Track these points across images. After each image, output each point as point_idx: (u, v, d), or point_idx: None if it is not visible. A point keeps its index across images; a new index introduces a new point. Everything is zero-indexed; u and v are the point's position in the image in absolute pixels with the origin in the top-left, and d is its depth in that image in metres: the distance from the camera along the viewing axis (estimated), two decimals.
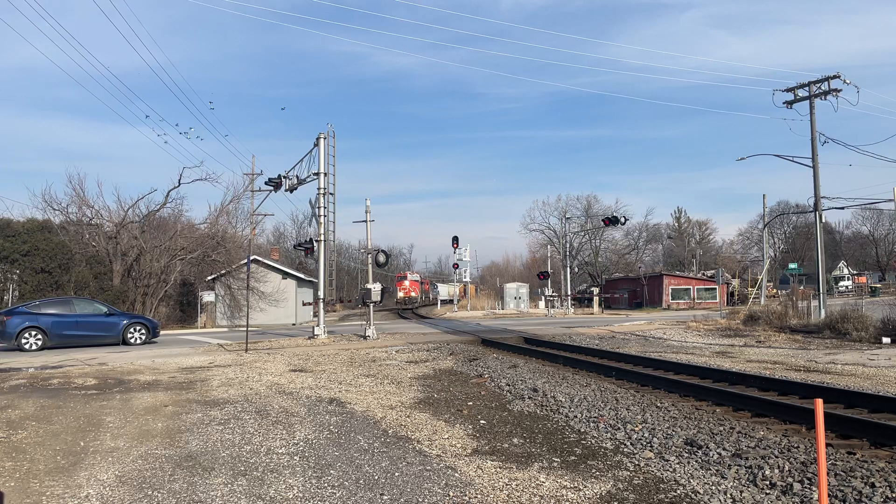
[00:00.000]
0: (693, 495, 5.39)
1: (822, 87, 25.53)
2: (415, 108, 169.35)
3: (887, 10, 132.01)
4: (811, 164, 25.72)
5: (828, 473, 5.60)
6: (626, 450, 6.99)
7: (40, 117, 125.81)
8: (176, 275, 35.08)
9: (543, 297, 53.41)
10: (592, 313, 47.04)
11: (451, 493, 5.56)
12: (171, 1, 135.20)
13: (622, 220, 41.82)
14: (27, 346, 20.28)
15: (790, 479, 5.63)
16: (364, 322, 25.31)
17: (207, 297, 35.85)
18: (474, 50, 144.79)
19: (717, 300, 45.86)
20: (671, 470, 6.14)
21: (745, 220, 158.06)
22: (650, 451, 6.89)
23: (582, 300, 57.68)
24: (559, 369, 14.05)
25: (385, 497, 5.51)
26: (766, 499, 5.27)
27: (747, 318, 26.23)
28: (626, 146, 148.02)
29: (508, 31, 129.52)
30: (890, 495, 5.20)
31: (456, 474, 6.14)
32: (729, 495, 5.35)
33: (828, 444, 6.79)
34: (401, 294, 73.60)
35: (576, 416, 8.75)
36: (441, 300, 72.17)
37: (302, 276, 40.85)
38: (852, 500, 5.16)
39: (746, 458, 6.31)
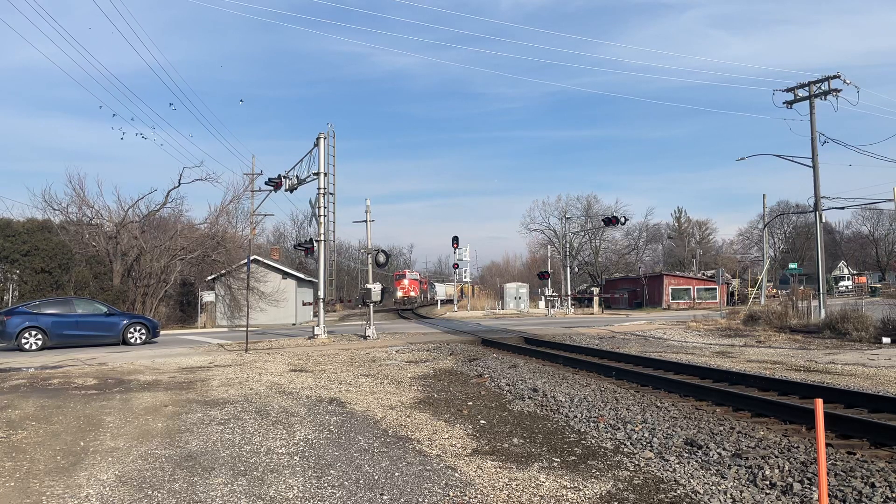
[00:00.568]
0: (693, 495, 5.39)
1: (822, 87, 25.53)
2: (415, 108, 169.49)
3: (887, 10, 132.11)
4: (811, 164, 25.72)
5: (828, 473, 5.60)
6: (626, 450, 6.99)
7: (40, 117, 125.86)
8: (176, 275, 35.08)
9: (543, 297, 53.40)
10: (592, 313, 47.04)
11: (451, 493, 5.56)
12: (171, 1, 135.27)
13: (622, 220, 41.86)
14: (27, 346, 20.27)
15: (790, 479, 5.63)
16: (364, 322, 25.31)
17: (207, 297, 35.85)
18: (474, 50, 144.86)
19: (717, 300, 45.86)
20: (671, 470, 6.14)
21: (745, 220, 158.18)
22: (650, 451, 6.89)
23: (582, 300, 57.67)
24: (559, 369, 14.05)
25: (385, 497, 5.51)
26: (766, 499, 5.27)
27: (747, 318, 26.23)
28: (626, 146, 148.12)
29: (509, 31, 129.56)
30: (890, 495, 5.20)
31: (456, 474, 6.14)
32: (729, 495, 5.35)
33: (828, 444, 6.79)
34: (400, 294, 70.43)
35: (576, 416, 8.75)
36: (439, 300, 72.07)
37: (302, 276, 40.86)
38: (852, 500, 5.16)
39: (746, 458, 6.31)
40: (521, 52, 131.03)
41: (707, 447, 6.79)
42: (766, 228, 53.39)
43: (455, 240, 51.63)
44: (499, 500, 5.39)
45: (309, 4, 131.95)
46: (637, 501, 5.32)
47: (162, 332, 26.50)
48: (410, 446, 7.28)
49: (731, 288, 54.40)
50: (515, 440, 7.55)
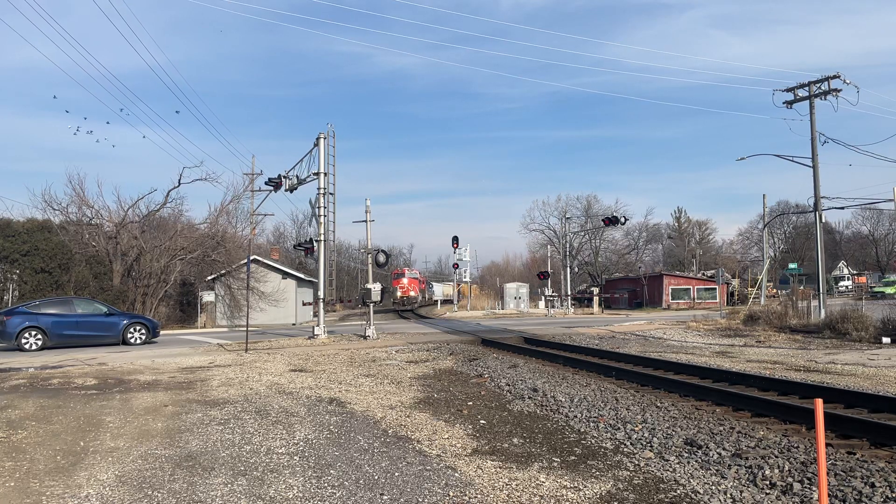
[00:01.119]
0: (693, 495, 5.39)
1: (822, 87, 25.53)
2: (415, 108, 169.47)
3: (887, 10, 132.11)
4: (811, 164, 25.72)
5: (828, 473, 5.60)
6: (626, 450, 6.99)
7: (40, 117, 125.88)
8: (176, 275, 35.07)
9: (543, 297, 53.40)
10: (592, 313, 47.03)
11: (451, 493, 5.56)
12: (171, 1, 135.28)
13: (622, 220, 41.83)
14: (27, 346, 20.28)
15: (790, 479, 5.63)
16: (364, 322, 25.31)
17: (207, 297, 35.84)
18: (474, 50, 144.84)
19: (717, 300, 45.87)
20: (671, 470, 6.14)
21: (745, 220, 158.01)
22: (650, 450, 6.89)
23: (582, 300, 57.66)
24: (559, 369, 14.05)
25: (385, 497, 5.51)
26: (766, 499, 5.27)
27: (747, 318, 26.24)
28: (626, 146, 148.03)
29: (509, 31, 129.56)
30: (890, 495, 5.20)
31: (456, 474, 6.14)
32: (729, 495, 5.35)
33: (828, 444, 6.79)
34: (399, 293, 66.20)
35: (576, 416, 8.75)
36: (438, 300, 71.82)
37: (302, 276, 40.85)
38: (852, 500, 5.16)
39: (746, 458, 6.31)
40: (521, 52, 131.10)
41: (707, 447, 6.79)
42: (766, 228, 53.40)
43: (455, 240, 51.66)
44: (499, 500, 5.39)
45: (309, 4, 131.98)
46: (637, 501, 5.32)
47: (162, 332, 26.49)
48: (410, 446, 7.28)
49: (731, 288, 54.39)
50: (515, 440, 7.55)
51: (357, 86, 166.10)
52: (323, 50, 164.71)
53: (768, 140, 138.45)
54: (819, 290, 25.93)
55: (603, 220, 44.32)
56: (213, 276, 36.69)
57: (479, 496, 5.48)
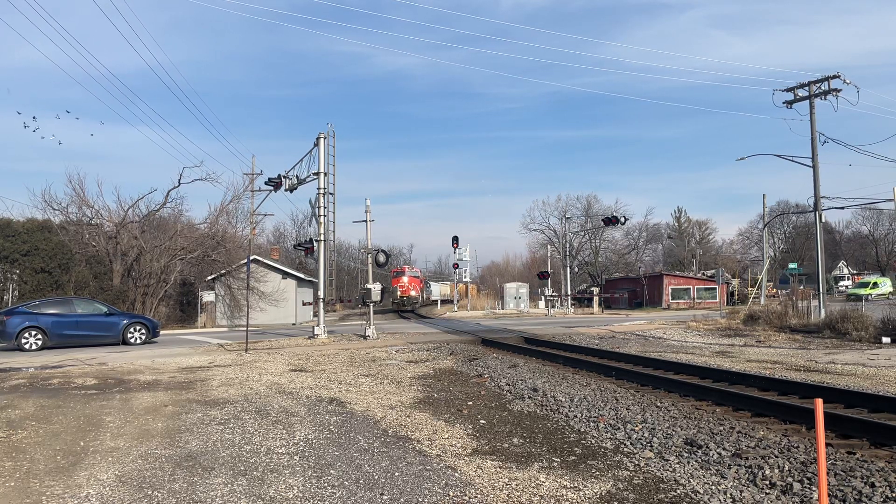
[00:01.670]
0: (693, 495, 5.39)
1: (822, 87, 25.53)
2: (415, 109, 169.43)
3: (887, 10, 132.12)
4: (811, 164, 25.72)
5: (828, 473, 5.60)
6: (626, 449, 6.99)
7: (40, 117, 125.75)
8: (176, 275, 35.08)
9: (543, 297, 53.39)
10: (592, 313, 47.03)
11: (451, 493, 5.56)
12: (171, 1, 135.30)
13: (622, 219, 41.87)
14: (27, 346, 20.28)
15: (790, 479, 5.64)
16: (364, 322, 25.31)
17: (207, 296, 35.84)
18: (475, 50, 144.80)
19: (717, 300, 45.87)
20: (671, 470, 6.14)
21: (745, 220, 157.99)
22: (650, 450, 6.89)
23: (582, 300, 57.66)
24: (559, 369, 14.05)
25: (385, 497, 5.51)
26: (766, 499, 5.27)
27: (747, 318, 26.24)
28: (626, 146, 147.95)
29: (509, 31, 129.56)
30: (890, 495, 5.20)
31: (456, 474, 6.14)
32: (729, 495, 5.35)
33: (828, 444, 6.79)
34: (399, 293, 61.76)
35: (576, 416, 8.76)
36: (438, 300, 71.50)
37: (302, 276, 40.85)
38: (852, 500, 5.16)
39: (746, 458, 6.31)
40: (521, 52, 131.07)
41: (707, 447, 6.80)
42: (766, 228, 53.41)
43: (455, 240, 51.65)
44: (499, 499, 5.39)
45: (309, 4, 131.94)
46: (637, 501, 5.32)
47: (162, 332, 26.50)
48: (410, 446, 7.28)
49: (731, 288, 54.40)
50: (515, 440, 7.55)
51: (357, 86, 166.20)
52: (323, 50, 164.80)
53: (768, 140, 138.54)
54: (819, 290, 25.94)
55: (603, 220, 44.33)
56: (213, 276, 36.70)
57: (479, 496, 5.48)
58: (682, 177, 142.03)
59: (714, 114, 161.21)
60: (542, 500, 5.35)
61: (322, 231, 23.23)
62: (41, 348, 20.39)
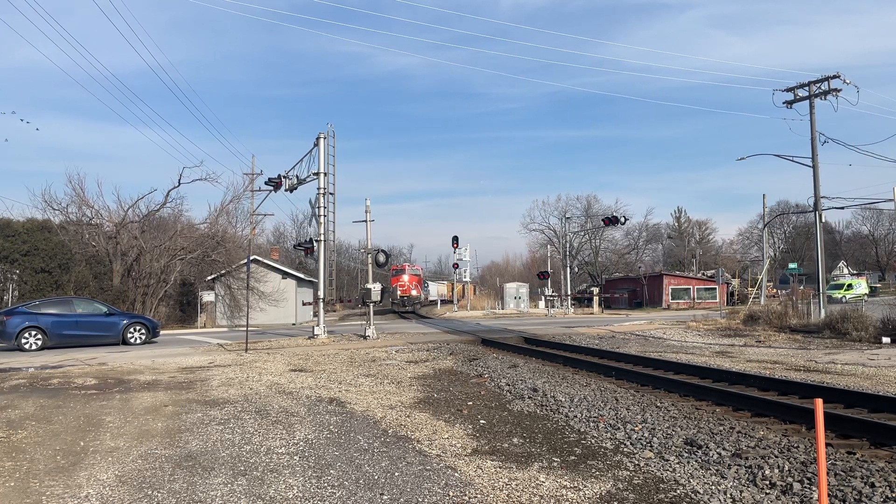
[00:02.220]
0: (693, 495, 5.39)
1: (822, 87, 25.53)
2: (415, 109, 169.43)
3: (887, 10, 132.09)
4: (811, 164, 25.72)
5: (828, 473, 5.60)
6: (626, 449, 6.99)
7: (40, 117, 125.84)
8: (176, 275, 35.07)
9: (543, 297, 53.39)
10: (592, 313, 47.03)
11: (450, 493, 5.56)
12: (171, 1, 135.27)
13: (622, 219, 41.85)
14: (27, 346, 20.27)
15: (790, 479, 5.63)
16: (364, 322, 25.31)
17: (207, 297, 35.84)
18: (475, 50, 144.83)
19: (717, 300, 45.87)
20: (671, 470, 6.14)
21: (745, 220, 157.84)
22: (650, 450, 6.89)
23: (582, 300, 57.67)
24: (559, 369, 14.05)
25: (385, 497, 5.51)
26: (766, 499, 5.27)
27: (747, 318, 26.24)
28: (626, 146, 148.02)
29: (509, 32, 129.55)
30: (890, 495, 5.20)
31: (456, 474, 6.14)
32: (729, 495, 5.35)
33: (828, 444, 6.79)
34: (399, 292, 58.18)
35: (576, 416, 8.75)
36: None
37: (302, 276, 40.85)
38: (852, 500, 5.16)
39: (746, 458, 6.31)
40: (521, 52, 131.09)
41: (707, 447, 6.79)
42: (766, 228, 53.39)
43: (455, 240, 51.64)
44: (499, 499, 5.39)
45: (309, 4, 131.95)
46: (637, 501, 5.32)
47: (162, 332, 26.50)
48: (410, 446, 7.28)
49: (730, 288, 54.42)
50: (515, 440, 7.55)
51: (357, 86, 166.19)
52: (323, 50, 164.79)
53: (768, 140, 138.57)
54: (819, 290, 25.93)
55: (603, 219, 44.32)
56: (213, 276, 36.69)
57: (479, 496, 5.48)
58: (682, 177, 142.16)
59: (714, 114, 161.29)
60: (542, 500, 5.35)
61: (322, 231, 23.23)
62: (41, 348, 20.39)
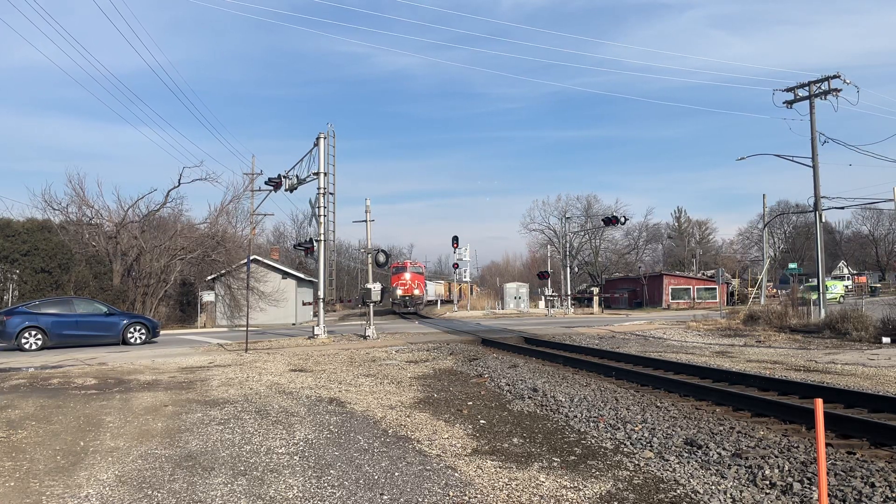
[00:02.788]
0: (693, 495, 5.39)
1: (822, 87, 25.52)
2: (415, 109, 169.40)
3: (887, 10, 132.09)
4: (811, 164, 25.71)
5: (828, 473, 5.60)
6: (626, 449, 6.99)
7: (41, 117, 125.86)
8: (176, 275, 35.08)
9: (543, 297, 53.37)
10: (592, 313, 47.03)
11: (450, 493, 5.56)
12: (171, 1, 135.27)
13: (622, 219, 41.88)
14: (27, 346, 20.27)
15: (790, 479, 5.63)
16: (364, 322, 25.31)
17: (207, 296, 35.84)
18: (475, 50, 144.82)
19: (717, 300, 45.86)
20: (671, 470, 6.14)
21: (745, 220, 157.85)
22: (650, 450, 6.89)
23: (582, 300, 57.65)
24: (559, 369, 14.05)
25: (385, 497, 5.51)
26: (766, 499, 5.27)
27: (747, 318, 26.23)
28: (626, 146, 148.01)
29: (509, 32, 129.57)
30: (890, 495, 5.20)
31: (456, 474, 6.14)
32: (729, 495, 5.35)
33: (828, 444, 6.79)
34: (400, 292, 52.90)
35: (576, 416, 8.75)
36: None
37: (302, 276, 40.84)
38: (852, 500, 5.16)
39: (746, 458, 6.31)
40: (521, 52, 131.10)
41: (707, 447, 6.79)
42: (766, 228, 53.41)
43: (455, 240, 51.57)
44: (499, 499, 5.39)
45: (309, 4, 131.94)
46: (637, 501, 5.32)
47: (162, 332, 26.50)
48: (410, 446, 7.28)
49: (730, 288, 54.39)
50: (515, 440, 7.55)
51: (357, 86, 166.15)
52: (323, 50, 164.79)
53: (768, 140, 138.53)
54: (819, 290, 25.93)
55: (603, 219, 44.32)
56: (213, 276, 36.69)
57: (479, 496, 5.48)
58: (682, 177, 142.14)
59: (714, 114, 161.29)
60: (542, 500, 5.35)
61: (322, 231, 23.23)
62: (41, 348, 20.39)
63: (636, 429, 7.84)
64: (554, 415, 8.97)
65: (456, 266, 55.83)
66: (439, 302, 69.81)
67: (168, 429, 8.42)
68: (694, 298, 55.15)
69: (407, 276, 54.24)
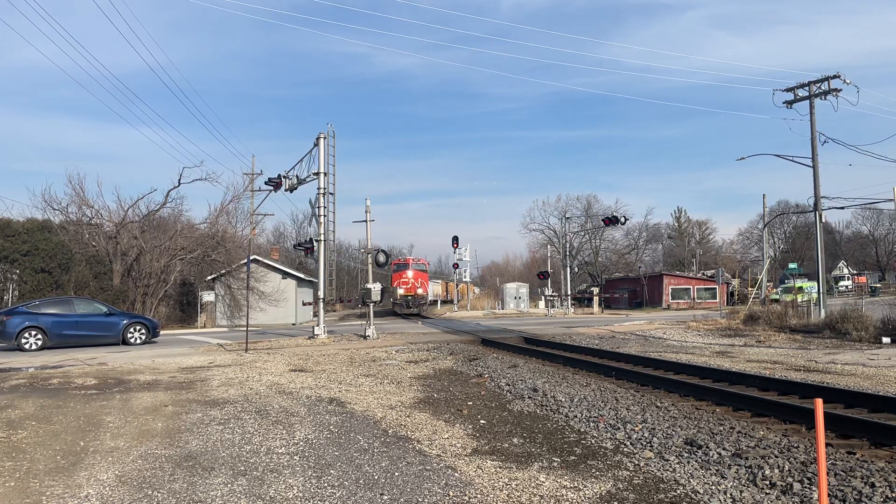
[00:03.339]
0: (693, 495, 5.39)
1: (822, 87, 25.53)
2: (415, 108, 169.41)
3: (887, 10, 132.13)
4: (811, 164, 25.72)
5: (828, 473, 5.60)
6: (626, 450, 6.99)
7: (41, 117, 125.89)
8: (176, 275, 35.07)
9: (543, 297, 53.38)
10: (592, 313, 47.03)
11: (450, 493, 5.56)
12: (172, 1, 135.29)
13: (622, 219, 41.86)
14: (27, 346, 20.27)
15: (790, 479, 5.63)
16: (364, 322, 25.31)
17: (207, 296, 35.84)
18: (475, 50, 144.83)
19: (717, 300, 45.86)
20: (671, 470, 6.14)
21: (745, 220, 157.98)
22: (650, 450, 6.89)
23: (582, 300, 57.65)
24: (559, 369, 14.05)
25: (385, 497, 5.51)
26: (766, 499, 5.27)
27: (747, 318, 26.24)
28: (626, 146, 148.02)
29: (509, 32, 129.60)
30: (890, 495, 5.20)
31: (456, 474, 6.14)
32: (729, 495, 5.35)
33: (828, 444, 6.79)
34: (401, 291, 48.22)
35: (576, 416, 8.75)
36: (438, 300, 70.99)
37: (302, 276, 40.82)
38: (852, 500, 5.16)
39: (746, 458, 6.31)
40: (521, 52, 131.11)
41: (707, 447, 6.79)
42: (766, 228, 53.44)
43: (455, 240, 51.58)
44: (499, 499, 5.39)
45: (310, 4, 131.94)
46: (637, 501, 5.32)
47: (162, 332, 26.50)
48: (410, 446, 7.28)
49: (730, 288, 54.39)
50: (515, 440, 7.55)
51: (357, 86, 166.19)
52: (323, 50, 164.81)
53: (768, 140, 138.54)
54: (819, 290, 25.93)
55: (603, 219, 44.31)
56: (213, 276, 36.69)
57: (479, 496, 5.48)
58: (682, 177, 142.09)
59: (714, 114, 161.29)
60: (542, 500, 5.35)
61: (322, 231, 23.23)
62: (41, 348, 20.38)
63: (636, 429, 7.84)
64: (554, 415, 8.97)
65: (456, 266, 55.81)
66: (439, 302, 69.72)
67: (168, 429, 8.42)
68: (694, 298, 55.15)
69: (409, 273, 49.76)
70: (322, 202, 23.25)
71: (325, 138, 23.41)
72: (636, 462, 6.48)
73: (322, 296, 23.58)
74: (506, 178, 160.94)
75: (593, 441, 7.42)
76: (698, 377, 12.17)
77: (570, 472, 6.15)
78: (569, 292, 50.85)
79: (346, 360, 16.36)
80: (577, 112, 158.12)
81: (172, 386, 12.25)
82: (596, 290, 58.12)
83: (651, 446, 7.03)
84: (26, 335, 20.40)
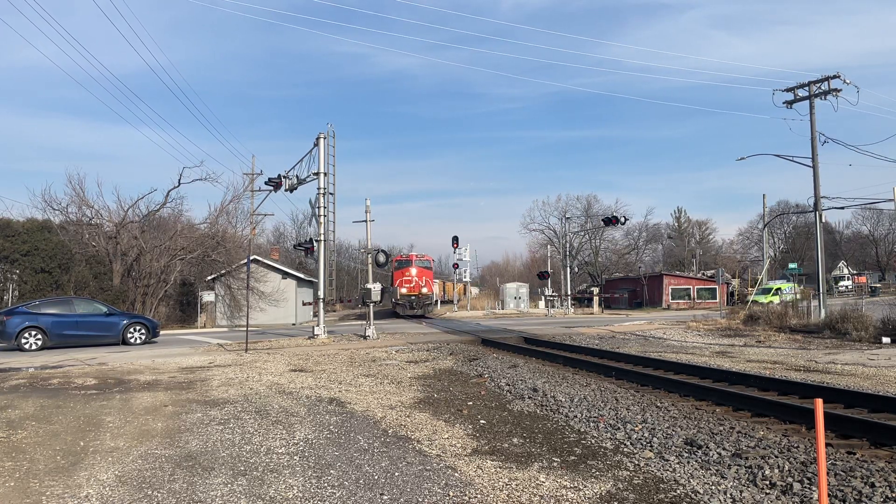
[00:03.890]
0: (693, 495, 5.39)
1: (822, 87, 25.53)
2: (416, 108, 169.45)
3: (887, 10, 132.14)
4: (811, 164, 25.72)
5: (828, 473, 5.60)
6: (626, 450, 6.99)
7: (41, 117, 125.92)
8: (176, 275, 35.07)
9: (543, 297, 53.38)
10: (592, 313, 47.02)
11: (450, 493, 5.56)
12: (172, 1, 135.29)
13: (622, 219, 41.88)
14: (27, 346, 20.27)
15: (790, 479, 5.63)
16: (364, 322, 25.31)
17: (207, 297, 35.84)
18: (475, 50, 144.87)
19: (717, 300, 45.85)
20: (671, 470, 6.14)
21: (745, 220, 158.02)
22: (650, 450, 6.89)
23: (582, 300, 57.66)
24: (559, 369, 14.05)
25: (385, 497, 5.51)
26: (766, 499, 5.27)
27: (747, 318, 26.23)
28: (627, 146, 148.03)
29: (509, 32, 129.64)
30: (890, 495, 5.20)
31: (456, 474, 6.14)
32: (729, 495, 5.35)
33: (828, 444, 6.79)
34: (403, 291, 43.81)
35: (576, 416, 8.75)
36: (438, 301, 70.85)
37: (302, 276, 40.81)
38: (852, 500, 5.16)
39: (746, 458, 6.31)
40: (521, 52, 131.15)
41: (707, 447, 6.79)
42: (766, 228, 53.41)
43: (455, 240, 51.57)
44: (499, 499, 5.39)
45: (310, 4, 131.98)
46: (637, 501, 5.32)
47: (162, 332, 26.49)
48: (410, 446, 7.28)
49: (730, 288, 54.38)
50: (515, 440, 7.54)
51: (358, 86, 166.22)
52: (324, 50, 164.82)
53: (768, 140, 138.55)
54: (819, 290, 25.94)
55: (603, 220, 44.29)
56: (213, 276, 36.69)
57: (479, 496, 5.48)
58: (682, 177, 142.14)
59: (714, 114, 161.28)
60: (542, 500, 5.35)
61: (322, 231, 23.23)
62: (41, 348, 20.38)
63: (636, 429, 7.84)
64: (554, 415, 8.97)
65: (456, 266, 55.85)
66: (439, 302, 69.60)
67: (168, 429, 8.42)
68: (694, 298, 55.16)
69: (413, 271, 45.55)
70: (322, 202, 23.25)
71: (324, 138, 23.40)
72: (636, 462, 6.48)
73: (322, 296, 23.57)
74: (506, 178, 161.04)
75: (593, 441, 7.41)
76: (698, 377, 12.17)
77: (570, 472, 6.15)
78: (569, 292, 50.87)
79: (346, 360, 16.36)
80: (577, 112, 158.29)
81: (172, 386, 12.25)
82: (596, 290, 58.14)
83: (651, 446, 7.03)
84: (26, 335, 20.40)
